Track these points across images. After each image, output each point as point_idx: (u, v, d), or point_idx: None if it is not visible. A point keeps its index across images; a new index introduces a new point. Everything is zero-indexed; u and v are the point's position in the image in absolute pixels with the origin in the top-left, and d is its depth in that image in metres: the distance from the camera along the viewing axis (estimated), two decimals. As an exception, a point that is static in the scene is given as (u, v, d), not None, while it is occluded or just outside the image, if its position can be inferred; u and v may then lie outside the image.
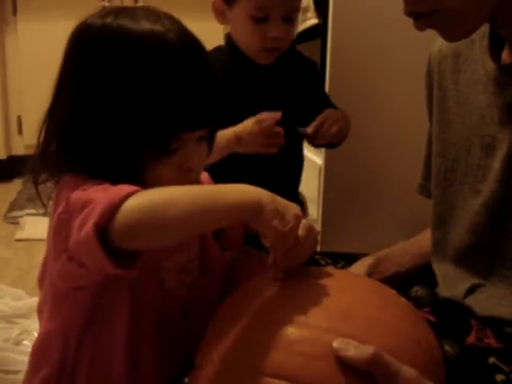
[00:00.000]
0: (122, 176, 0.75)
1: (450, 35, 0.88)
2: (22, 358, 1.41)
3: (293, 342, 0.65)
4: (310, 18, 1.95)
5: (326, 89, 1.74)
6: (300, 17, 1.98)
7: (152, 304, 0.84)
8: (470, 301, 0.97)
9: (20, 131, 3.16)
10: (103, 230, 0.67)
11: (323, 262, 1.16)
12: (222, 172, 1.39)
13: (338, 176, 1.81)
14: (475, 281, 0.97)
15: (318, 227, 1.86)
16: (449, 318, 0.98)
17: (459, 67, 0.99)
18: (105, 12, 0.84)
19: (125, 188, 0.70)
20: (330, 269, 1.06)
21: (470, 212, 0.97)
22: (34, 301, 1.59)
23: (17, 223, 2.64)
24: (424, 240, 1.13)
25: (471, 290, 0.98)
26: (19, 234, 2.50)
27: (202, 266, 0.90)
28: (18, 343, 1.51)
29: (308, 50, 2.19)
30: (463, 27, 0.86)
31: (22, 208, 2.76)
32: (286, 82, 1.45)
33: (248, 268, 0.94)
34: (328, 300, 0.69)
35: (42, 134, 0.84)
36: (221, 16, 1.40)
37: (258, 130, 1.26)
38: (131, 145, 0.79)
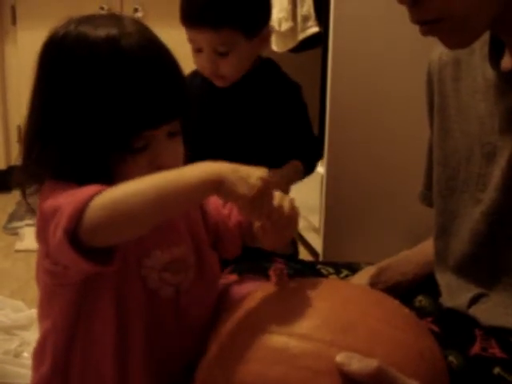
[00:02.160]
0: (93, 178, 0.77)
1: (453, 42, 0.87)
2: (21, 370, 1.40)
3: (296, 356, 0.65)
4: (310, 27, 1.96)
5: (328, 98, 1.74)
6: (301, 25, 1.99)
7: (138, 304, 0.84)
8: (474, 310, 0.96)
9: (20, 141, 3.16)
10: (74, 233, 0.70)
11: (325, 272, 1.15)
12: None
13: (339, 185, 1.80)
14: (478, 290, 0.97)
15: (320, 236, 1.86)
16: (453, 328, 0.97)
17: (459, 75, 0.99)
18: (69, 21, 0.87)
19: (89, 189, 0.72)
20: (332, 280, 1.06)
21: (470, 221, 0.96)
22: (34, 312, 1.58)
23: (16, 234, 2.63)
24: (427, 249, 1.12)
25: (475, 300, 0.97)
26: (18, 245, 2.49)
27: (199, 272, 0.90)
28: (17, 355, 1.50)
29: (309, 58, 2.20)
30: (468, 34, 0.85)
31: (21, 219, 2.75)
32: (260, 101, 1.47)
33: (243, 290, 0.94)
34: (330, 312, 0.69)
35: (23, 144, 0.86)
36: None
37: None
38: (96, 147, 0.80)
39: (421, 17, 0.83)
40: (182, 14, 1.37)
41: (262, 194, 0.71)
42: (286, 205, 0.77)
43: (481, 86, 0.94)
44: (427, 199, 1.14)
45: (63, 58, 0.82)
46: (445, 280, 1.04)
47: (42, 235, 0.77)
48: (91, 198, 0.70)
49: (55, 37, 0.86)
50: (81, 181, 0.77)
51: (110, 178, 0.80)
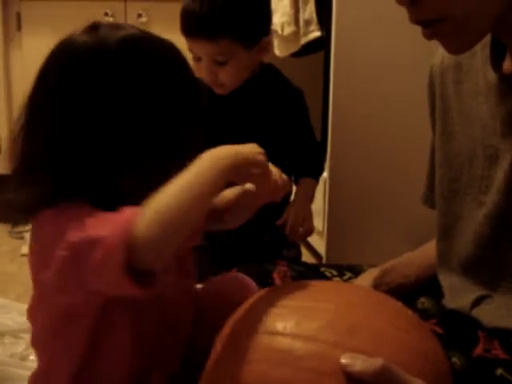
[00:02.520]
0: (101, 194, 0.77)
1: (455, 46, 0.86)
2: (27, 373, 1.40)
3: (300, 358, 0.65)
4: (313, 31, 1.96)
5: (330, 102, 1.75)
6: (303, 30, 1.99)
7: (152, 324, 0.85)
8: (477, 312, 0.97)
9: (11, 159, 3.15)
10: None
11: (329, 275, 1.15)
12: None
13: (342, 188, 1.81)
14: (481, 292, 0.97)
15: (324, 239, 1.86)
16: (456, 329, 0.97)
17: (461, 78, 0.99)
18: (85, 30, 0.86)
19: (125, 214, 0.70)
20: (336, 282, 1.06)
21: (473, 223, 0.97)
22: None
23: (22, 238, 2.64)
24: (429, 251, 1.13)
25: (478, 302, 0.97)
26: (24, 249, 2.49)
27: (180, 278, 0.90)
28: (23, 358, 1.51)
29: (311, 62, 2.20)
30: (470, 36, 0.84)
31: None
32: (262, 107, 1.47)
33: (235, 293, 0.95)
34: (335, 314, 0.69)
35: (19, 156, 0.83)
36: None
37: None
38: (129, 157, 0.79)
39: (419, 16, 0.82)
40: (181, 24, 1.38)
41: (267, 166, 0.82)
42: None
43: (482, 89, 0.94)
44: (429, 201, 1.15)
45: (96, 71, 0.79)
46: (447, 281, 1.04)
47: (69, 270, 0.72)
48: (133, 222, 0.68)
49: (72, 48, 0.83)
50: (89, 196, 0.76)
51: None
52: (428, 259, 1.12)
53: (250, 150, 0.81)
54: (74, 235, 0.70)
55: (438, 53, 1.03)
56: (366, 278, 1.09)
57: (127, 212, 0.70)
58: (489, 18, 0.83)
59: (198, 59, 1.40)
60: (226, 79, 1.40)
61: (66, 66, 0.82)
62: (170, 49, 0.87)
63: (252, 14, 1.39)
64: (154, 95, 0.81)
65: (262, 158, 0.81)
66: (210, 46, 1.35)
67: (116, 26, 0.85)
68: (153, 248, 0.69)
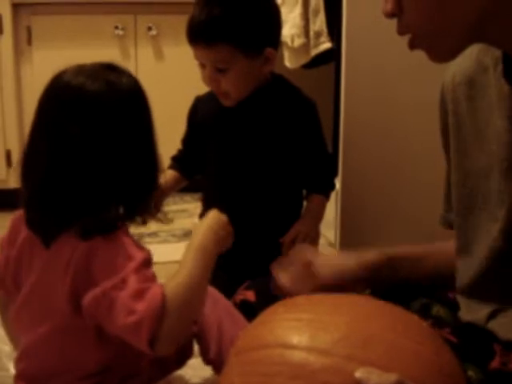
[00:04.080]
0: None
1: (433, 56, 0.88)
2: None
3: (315, 371, 0.65)
4: (323, 43, 1.97)
5: (341, 113, 1.75)
6: (313, 41, 1.99)
7: None
8: (493, 324, 0.96)
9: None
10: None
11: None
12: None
13: (354, 200, 1.80)
14: (497, 306, 0.96)
15: (336, 250, 1.86)
16: (471, 340, 0.96)
17: (474, 95, 0.98)
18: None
19: (156, 290, 0.84)
20: (350, 295, 1.05)
21: (489, 238, 0.96)
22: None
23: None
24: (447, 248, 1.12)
25: (493, 314, 0.96)
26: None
27: None
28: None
29: (322, 74, 2.21)
30: (443, 48, 0.86)
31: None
32: (273, 118, 1.47)
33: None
34: (349, 327, 0.69)
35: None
36: None
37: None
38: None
39: (397, 30, 0.86)
40: (186, 32, 1.41)
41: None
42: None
43: (497, 104, 0.93)
44: (447, 222, 1.13)
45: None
46: (464, 299, 1.04)
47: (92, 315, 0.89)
48: (163, 300, 0.84)
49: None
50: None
51: None
52: (446, 256, 1.11)
53: (218, 222, 0.99)
54: (123, 296, 0.85)
55: (449, 69, 1.03)
56: (350, 258, 1.12)
57: (157, 289, 0.85)
58: (461, 32, 0.83)
59: (202, 66, 1.41)
60: (228, 88, 1.41)
61: (64, 107, 0.92)
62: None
63: (253, 22, 1.39)
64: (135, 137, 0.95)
65: (225, 220, 1.00)
66: (208, 52, 1.37)
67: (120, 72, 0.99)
68: (180, 323, 0.86)
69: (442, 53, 0.87)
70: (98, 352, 0.93)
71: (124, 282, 0.85)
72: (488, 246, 0.96)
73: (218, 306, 1.09)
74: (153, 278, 0.87)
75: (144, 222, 0.99)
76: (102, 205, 0.91)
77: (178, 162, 1.57)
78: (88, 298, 0.87)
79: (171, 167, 1.56)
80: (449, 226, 1.13)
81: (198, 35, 1.37)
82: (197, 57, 1.40)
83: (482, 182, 0.98)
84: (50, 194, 0.91)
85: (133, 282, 0.85)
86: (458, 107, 1.01)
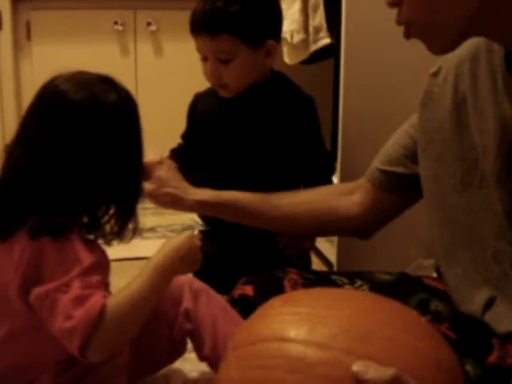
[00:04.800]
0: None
1: (431, 48, 0.88)
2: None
3: (312, 365, 0.65)
4: (322, 38, 1.96)
5: (340, 109, 1.75)
6: (312, 37, 1.99)
7: None
8: (489, 317, 0.96)
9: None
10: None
11: (340, 282, 1.15)
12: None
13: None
14: (491, 291, 0.96)
15: (334, 247, 1.86)
16: (469, 335, 0.96)
17: (478, 72, 0.98)
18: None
19: (96, 300, 0.85)
20: (349, 290, 1.05)
21: (491, 216, 0.96)
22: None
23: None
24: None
25: (489, 304, 0.96)
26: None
27: None
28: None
29: (321, 69, 2.20)
30: (442, 40, 0.86)
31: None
32: (272, 114, 1.47)
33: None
34: (348, 321, 0.69)
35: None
36: None
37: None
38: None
39: (396, 20, 0.87)
40: (189, 25, 1.42)
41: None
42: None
43: (501, 88, 0.93)
44: (378, 179, 1.23)
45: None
46: (452, 276, 1.03)
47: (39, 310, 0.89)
48: (101, 310, 0.84)
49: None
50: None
51: None
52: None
53: (188, 247, 0.97)
54: (64, 299, 0.85)
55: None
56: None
57: (98, 299, 0.85)
58: (460, 23, 0.83)
59: (204, 59, 1.42)
60: (230, 79, 1.41)
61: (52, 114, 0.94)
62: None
63: (256, 13, 1.41)
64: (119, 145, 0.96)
65: (196, 246, 0.98)
66: (211, 43, 1.38)
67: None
68: (116, 335, 0.87)
69: (440, 44, 0.87)
70: (59, 348, 0.92)
71: (67, 285, 0.86)
72: (490, 224, 0.96)
73: (212, 304, 1.09)
74: (97, 285, 0.87)
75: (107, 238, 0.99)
76: (62, 207, 0.92)
77: (177, 154, 1.57)
78: (33, 295, 0.88)
79: (170, 158, 1.56)
80: (377, 184, 1.22)
81: (202, 26, 1.38)
82: (199, 49, 1.41)
83: (480, 161, 0.98)
84: (8, 187, 0.93)
85: (76, 287, 0.85)
86: (461, 83, 1.01)
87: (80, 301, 0.84)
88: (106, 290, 0.89)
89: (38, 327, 0.90)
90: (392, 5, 0.86)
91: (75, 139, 0.92)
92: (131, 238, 1.01)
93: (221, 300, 1.11)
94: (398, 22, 0.87)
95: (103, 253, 0.96)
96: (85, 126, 0.93)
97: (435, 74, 1.08)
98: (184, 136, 1.59)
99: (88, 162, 0.93)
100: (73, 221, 0.93)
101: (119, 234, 0.99)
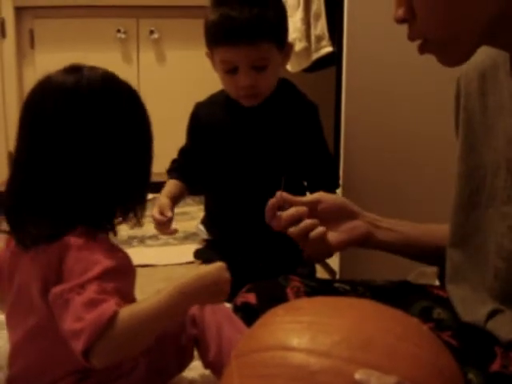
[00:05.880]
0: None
1: (444, 61, 0.89)
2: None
3: (315, 373, 0.65)
4: (324, 46, 1.97)
5: (342, 116, 1.75)
6: (314, 45, 2.00)
7: None
8: (493, 324, 0.96)
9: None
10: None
11: (342, 290, 1.15)
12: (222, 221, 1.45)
13: (355, 202, 1.80)
14: (494, 305, 0.96)
15: (337, 255, 1.86)
16: (472, 343, 0.96)
17: (486, 90, 0.99)
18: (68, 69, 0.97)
19: (109, 307, 0.83)
20: (350, 298, 1.05)
21: (496, 235, 0.96)
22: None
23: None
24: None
25: (492, 314, 0.96)
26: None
27: None
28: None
29: (323, 77, 2.21)
30: (455, 53, 0.88)
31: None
32: (279, 121, 1.48)
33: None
34: (350, 330, 0.69)
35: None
36: (214, 65, 1.49)
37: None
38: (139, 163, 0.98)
39: (408, 35, 0.87)
40: (217, 34, 1.39)
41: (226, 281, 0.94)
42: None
43: (506, 102, 0.94)
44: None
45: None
46: (459, 293, 1.04)
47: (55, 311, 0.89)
48: (112, 318, 0.83)
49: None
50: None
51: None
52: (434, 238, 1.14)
53: (216, 278, 0.94)
54: (77, 301, 0.85)
55: (463, 65, 1.03)
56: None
57: (111, 306, 0.84)
58: (473, 37, 0.85)
59: (232, 71, 1.40)
60: (265, 85, 1.41)
61: (43, 105, 0.93)
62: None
63: (282, 16, 1.43)
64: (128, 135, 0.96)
65: (225, 278, 0.95)
66: (251, 51, 1.37)
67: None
68: (118, 347, 0.85)
69: (453, 57, 0.88)
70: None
71: (83, 287, 0.85)
72: (495, 243, 0.96)
73: (217, 311, 1.09)
74: (111, 292, 0.86)
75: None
76: (83, 209, 0.92)
77: (179, 172, 1.56)
78: (50, 294, 0.88)
79: (173, 178, 1.55)
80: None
81: (242, 34, 1.36)
82: (230, 60, 1.39)
83: (488, 179, 0.98)
84: (34, 193, 0.93)
85: (91, 290, 0.85)
86: (470, 102, 1.02)
87: (93, 304, 0.84)
88: (121, 297, 0.87)
89: (57, 328, 0.90)
90: (401, 21, 0.86)
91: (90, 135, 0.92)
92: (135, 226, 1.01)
93: (226, 308, 1.11)
94: (411, 38, 0.88)
95: (125, 259, 0.94)
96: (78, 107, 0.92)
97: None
98: (184, 150, 1.58)
99: (104, 158, 0.93)
100: (95, 222, 0.93)
101: (137, 224, 1.00)
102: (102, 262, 0.88)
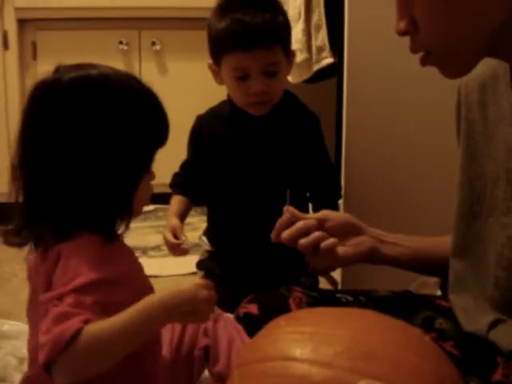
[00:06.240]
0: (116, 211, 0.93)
1: (446, 73, 0.90)
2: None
3: (316, 383, 0.65)
4: (325, 58, 1.98)
5: (344, 126, 1.76)
6: (315, 57, 2.01)
7: None
8: (495, 334, 0.96)
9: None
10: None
11: (344, 300, 1.15)
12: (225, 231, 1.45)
13: (357, 215, 1.80)
14: (496, 314, 0.96)
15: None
16: (474, 353, 0.96)
17: (486, 101, 1.00)
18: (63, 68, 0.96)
19: (72, 324, 0.80)
20: (352, 308, 1.05)
21: (496, 245, 0.96)
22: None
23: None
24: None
25: (494, 324, 0.96)
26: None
27: None
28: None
29: (325, 88, 2.22)
30: (458, 66, 0.89)
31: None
32: (282, 132, 1.48)
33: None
34: (352, 340, 0.69)
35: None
36: (216, 76, 1.48)
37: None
38: (131, 170, 0.93)
39: (411, 47, 0.88)
40: (230, 40, 1.38)
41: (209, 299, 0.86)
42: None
43: (506, 112, 0.94)
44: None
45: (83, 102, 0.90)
46: (461, 303, 1.04)
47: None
48: (75, 334, 0.79)
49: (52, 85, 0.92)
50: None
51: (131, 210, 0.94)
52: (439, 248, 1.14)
53: (189, 297, 0.85)
54: (52, 313, 0.82)
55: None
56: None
57: (75, 323, 0.80)
58: (476, 48, 0.86)
59: (243, 78, 1.40)
60: (275, 92, 1.41)
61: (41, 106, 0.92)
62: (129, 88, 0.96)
63: (288, 22, 1.43)
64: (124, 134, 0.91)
65: (200, 298, 0.85)
66: (265, 56, 1.36)
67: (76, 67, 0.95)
68: (75, 367, 0.81)
69: (455, 69, 0.89)
70: None
71: (60, 299, 0.83)
72: (495, 253, 0.96)
73: (229, 326, 1.09)
74: (88, 305, 0.83)
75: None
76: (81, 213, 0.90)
77: (182, 187, 1.56)
78: (38, 301, 0.87)
79: (177, 193, 1.55)
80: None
81: (257, 39, 1.35)
82: (244, 67, 1.39)
83: (488, 189, 0.99)
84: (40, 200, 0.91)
85: (66, 303, 0.83)
86: (470, 113, 1.03)
87: (62, 318, 0.81)
88: (101, 311, 0.84)
89: None
90: (403, 34, 0.87)
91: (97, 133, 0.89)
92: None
93: (237, 325, 1.10)
94: (414, 51, 0.88)
95: (120, 269, 0.91)
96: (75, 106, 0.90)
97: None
98: (187, 163, 1.57)
99: (109, 161, 0.90)
100: (95, 228, 0.91)
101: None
102: (85, 274, 0.85)
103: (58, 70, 0.94)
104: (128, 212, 0.94)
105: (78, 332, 0.79)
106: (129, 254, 0.96)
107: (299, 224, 1.10)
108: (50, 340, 0.80)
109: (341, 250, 1.13)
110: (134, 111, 0.93)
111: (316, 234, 1.09)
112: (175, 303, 0.83)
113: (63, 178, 0.89)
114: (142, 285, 0.94)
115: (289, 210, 1.11)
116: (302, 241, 1.09)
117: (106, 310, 0.85)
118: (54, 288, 0.86)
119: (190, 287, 0.85)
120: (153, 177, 0.98)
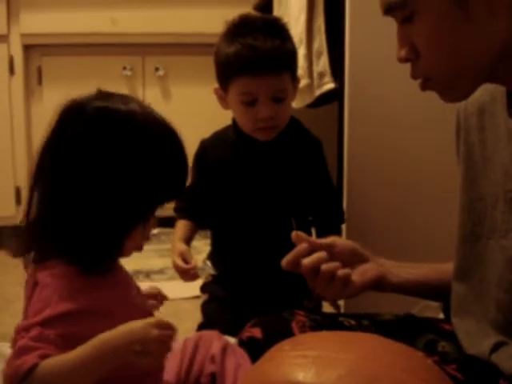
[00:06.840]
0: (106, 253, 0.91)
1: (447, 98, 0.92)
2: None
3: (320, 407, 0.65)
4: (327, 83, 1.99)
5: (345, 150, 1.77)
6: (317, 82, 2.03)
7: None
8: (496, 358, 0.96)
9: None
10: None
11: (347, 324, 1.15)
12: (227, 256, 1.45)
13: (360, 239, 1.80)
14: (498, 337, 0.97)
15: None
16: (476, 376, 0.96)
17: (484, 124, 1.01)
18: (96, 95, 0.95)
19: (29, 359, 0.80)
20: (356, 332, 1.06)
21: (497, 266, 0.97)
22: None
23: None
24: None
25: (496, 347, 0.97)
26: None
27: None
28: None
29: (326, 112, 2.23)
30: (458, 92, 0.91)
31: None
32: (287, 158, 1.49)
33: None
34: (355, 364, 0.69)
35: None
36: (222, 101, 1.48)
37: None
38: (126, 219, 0.91)
39: (411, 74, 0.90)
40: (239, 65, 1.38)
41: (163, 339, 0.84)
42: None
43: (503, 135, 0.96)
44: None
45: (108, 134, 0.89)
46: (464, 326, 1.04)
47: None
48: (30, 370, 0.79)
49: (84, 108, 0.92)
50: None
51: (121, 251, 0.93)
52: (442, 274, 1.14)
53: (140, 336, 0.84)
54: (18, 344, 0.82)
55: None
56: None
57: (33, 358, 0.80)
58: (475, 74, 0.87)
59: (251, 103, 1.40)
60: (283, 118, 1.41)
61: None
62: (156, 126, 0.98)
63: (295, 48, 1.44)
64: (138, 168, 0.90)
65: (152, 337, 0.83)
66: (274, 82, 1.37)
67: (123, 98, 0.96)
68: None
69: (455, 94, 0.91)
70: None
71: (27, 330, 0.83)
72: (496, 275, 0.97)
73: (237, 353, 1.08)
74: (51, 339, 0.82)
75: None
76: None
77: (187, 211, 1.56)
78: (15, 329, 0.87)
79: (182, 218, 1.55)
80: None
81: (267, 64, 1.35)
82: (252, 92, 1.39)
83: (488, 211, 1.00)
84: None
85: (30, 336, 0.82)
86: (469, 137, 1.04)
87: (22, 352, 0.81)
88: (66, 344, 0.83)
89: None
90: (404, 61, 0.88)
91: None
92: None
93: (244, 354, 1.10)
94: (415, 77, 0.90)
95: (98, 300, 0.89)
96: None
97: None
98: (191, 188, 1.58)
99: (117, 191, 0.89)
100: (76, 257, 0.89)
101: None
102: (53, 306, 0.84)
103: (95, 94, 0.95)
104: (117, 251, 0.93)
105: (34, 367, 0.79)
106: (114, 286, 0.94)
107: (314, 257, 1.09)
108: (7, 374, 0.81)
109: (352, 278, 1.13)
110: (147, 160, 0.91)
111: (329, 265, 1.08)
112: (125, 342, 0.83)
113: (61, 202, 0.89)
114: (129, 318, 0.88)
115: (298, 235, 1.10)
116: (324, 267, 1.07)
117: (78, 341, 0.83)
118: (27, 317, 0.86)
119: (141, 326, 0.84)
120: (154, 225, 0.97)
